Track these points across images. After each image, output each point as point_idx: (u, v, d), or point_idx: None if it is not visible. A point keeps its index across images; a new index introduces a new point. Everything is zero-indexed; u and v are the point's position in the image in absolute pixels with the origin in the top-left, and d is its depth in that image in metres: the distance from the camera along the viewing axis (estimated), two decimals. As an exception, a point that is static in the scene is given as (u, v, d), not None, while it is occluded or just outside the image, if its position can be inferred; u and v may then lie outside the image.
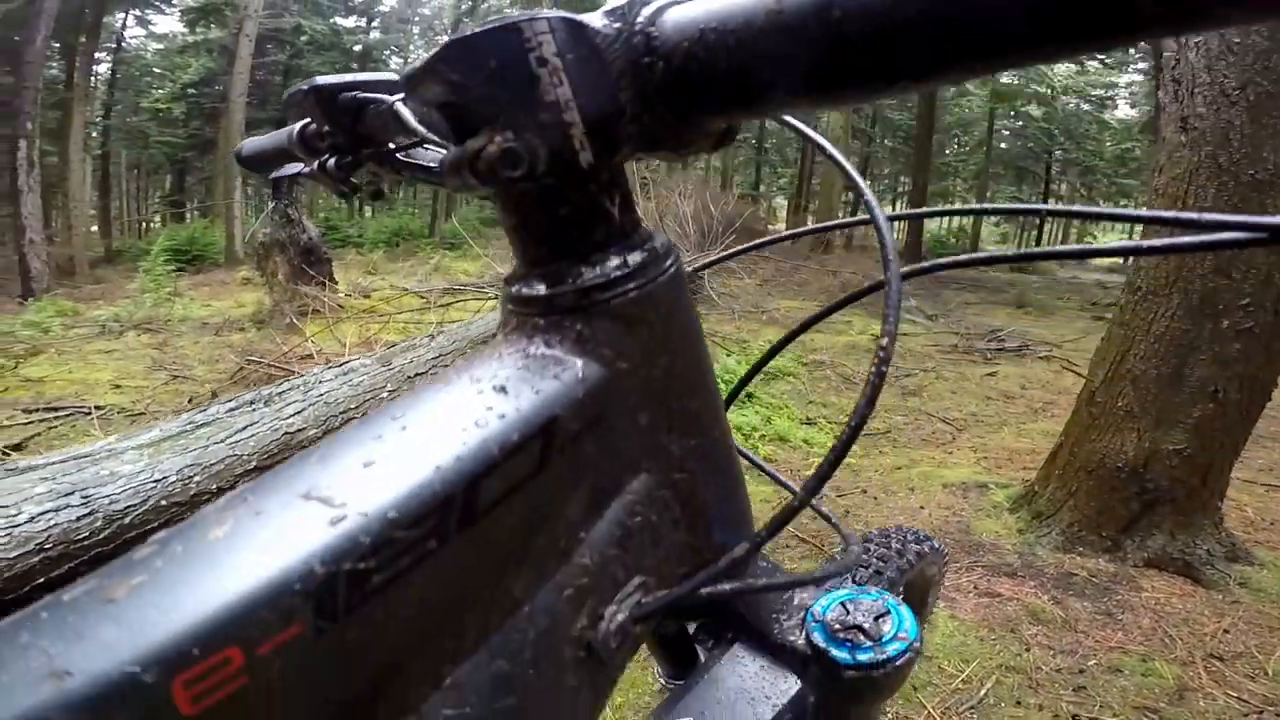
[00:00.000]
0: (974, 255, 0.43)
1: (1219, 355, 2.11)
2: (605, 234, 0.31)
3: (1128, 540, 2.33)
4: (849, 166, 0.38)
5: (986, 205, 0.47)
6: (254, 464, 1.00)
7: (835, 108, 0.32)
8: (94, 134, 17.33)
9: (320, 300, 5.31)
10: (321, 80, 0.45)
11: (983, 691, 1.74)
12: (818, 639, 0.46)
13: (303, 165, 0.55)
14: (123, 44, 19.15)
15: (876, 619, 0.46)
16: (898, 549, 0.97)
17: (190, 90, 17.37)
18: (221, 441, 0.99)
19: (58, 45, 13.46)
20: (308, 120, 0.51)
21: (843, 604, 0.47)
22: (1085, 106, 17.76)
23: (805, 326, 0.54)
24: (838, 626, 0.46)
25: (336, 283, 6.23)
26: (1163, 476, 2.24)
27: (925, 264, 0.49)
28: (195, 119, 17.97)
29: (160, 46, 19.82)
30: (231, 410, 1.05)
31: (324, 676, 0.23)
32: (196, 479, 0.93)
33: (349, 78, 0.46)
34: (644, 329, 0.31)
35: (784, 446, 3.24)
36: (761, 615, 0.48)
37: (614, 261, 0.31)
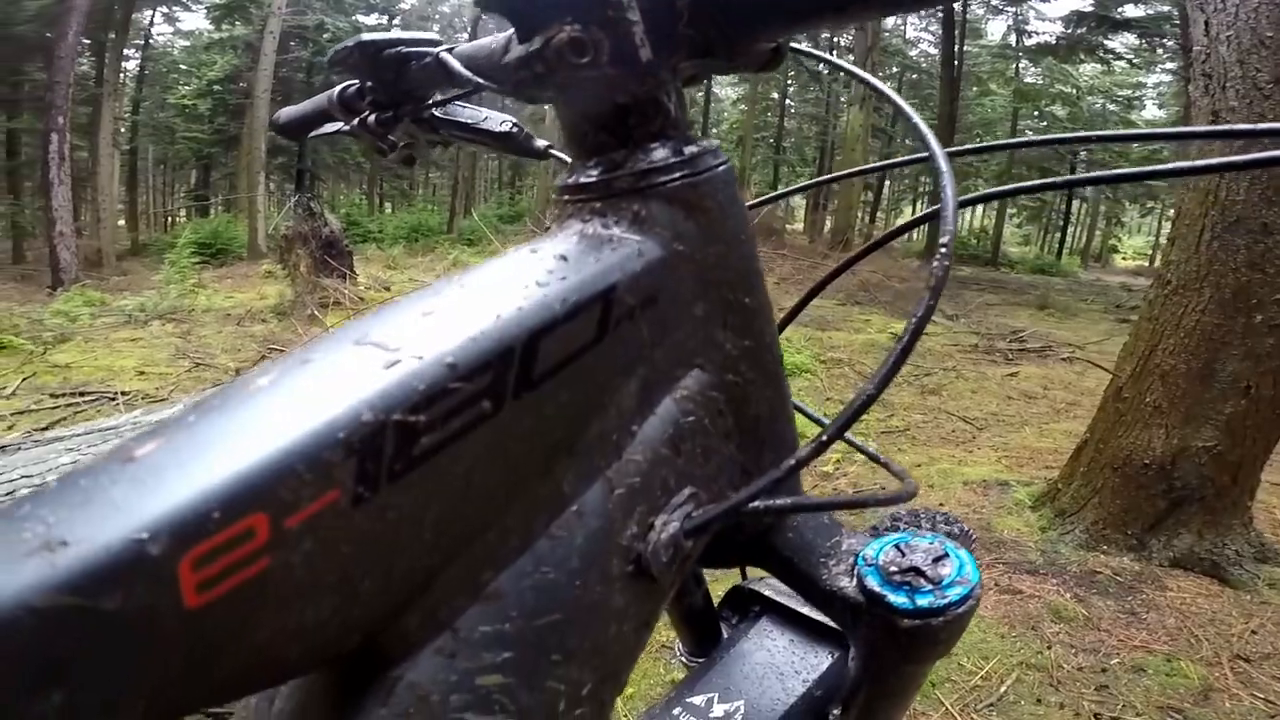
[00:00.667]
0: (1028, 183, 0.45)
1: (1251, 350, 2.07)
2: (662, 126, 0.32)
3: (1153, 539, 2.29)
4: (905, 105, 0.39)
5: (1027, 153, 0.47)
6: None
7: (865, 20, 0.34)
8: (122, 129, 17.65)
9: (341, 292, 5.36)
10: (367, 36, 0.46)
11: (1003, 689, 1.72)
12: (871, 583, 0.41)
13: (342, 124, 0.56)
14: (150, 41, 19.49)
15: (934, 561, 0.42)
16: (928, 527, 0.95)
17: (216, 87, 17.64)
18: None
19: (88, 42, 13.71)
20: (348, 83, 0.52)
21: (896, 547, 0.42)
22: (1111, 107, 17.51)
23: (866, 252, 0.56)
24: (893, 570, 0.41)
25: (357, 275, 6.28)
26: (1191, 474, 2.20)
27: (979, 193, 0.50)
28: (220, 115, 18.23)
29: (187, 43, 20.17)
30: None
31: (352, 568, 0.21)
32: None
33: (393, 35, 0.47)
34: (700, 215, 0.31)
35: (800, 440, 3.22)
36: (810, 559, 0.44)
37: (670, 150, 0.31)
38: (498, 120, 0.59)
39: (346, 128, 0.56)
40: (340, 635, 0.22)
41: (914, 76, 19.49)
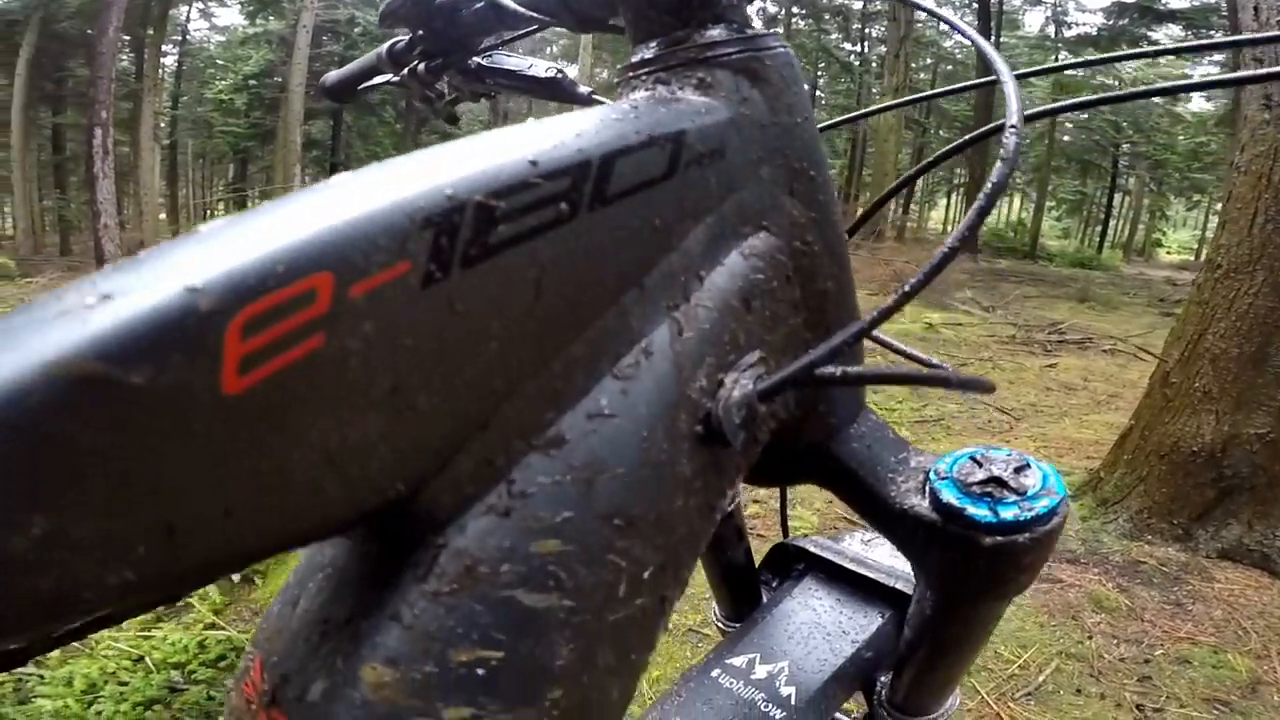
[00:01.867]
0: (1091, 98, 0.45)
1: (1308, 335, 2.00)
2: (723, 10, 0.32)
3: (1200, 530, 2.22)
4: (971, 32, 0.40)
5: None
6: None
7: None
8: (162, 124, 18.05)
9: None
10: None
11: (1041, 678, 1.68)
12: (948, 496, 0.36)
13: (391, 75, 0.59)
14: (187, 37, 19.88)
15: (1016, 471, 0.37)
16: None
17: (251, 81, 17.91)
18: None
19: (127, 38, 14.02)
20: (397, 38, 0.56)
21: (972, 458, 0.38)
22: (1156, 99, 17.00)
23: (934, 163, 0.58)
24: (972, 481, 0.37)
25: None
26: (1242, 462, 2.13)
27: (1045, 106, 0.50)
28: (256, 109, 18.53)
29: (222, 39, 20.52)
30: None
31: (409, 376, 0.19)
32: None
33: None
34: (764, 86, 0.32)
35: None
36: (876, 473, 0.40)
37: (732, 29, 0.32)
38: (542, 67, 0.60)
39: (396, 78, 0.59)
40: (385, 473, 0.20)
41: (948, 68, 19.12)
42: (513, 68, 0.59)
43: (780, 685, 0.58)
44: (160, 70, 16.51)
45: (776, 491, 0.78)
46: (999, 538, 0.35)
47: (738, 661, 0.61)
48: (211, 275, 0.16)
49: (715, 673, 0.60)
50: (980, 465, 0.37)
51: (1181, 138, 16.82)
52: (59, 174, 17.03)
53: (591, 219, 0.23)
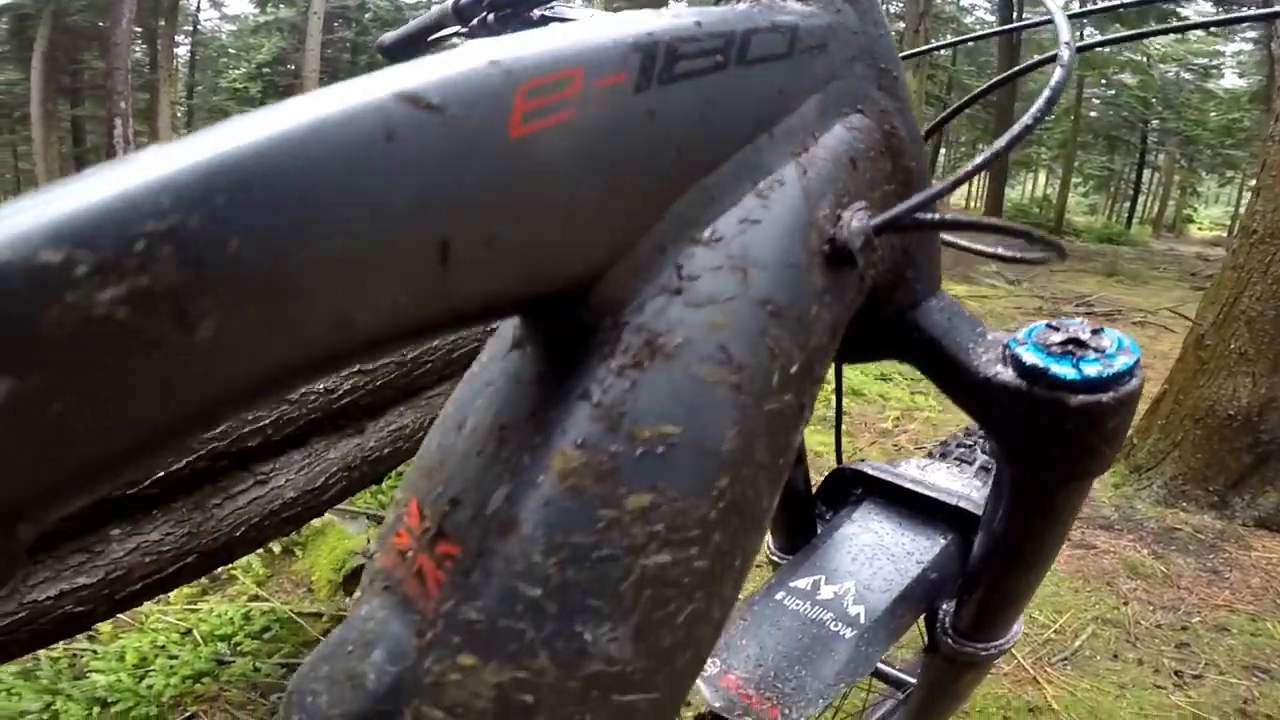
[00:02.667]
0: (1139, 31, 0.48)
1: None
2: None
3: (1236, 497, 2.19)
4: None
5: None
6: (357, 365, 1.05)
7: None
8: (179, 113, 18.14)
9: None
10: None
11: (1077, 643, 1.67)
12: (1031, 356, 0.37)
13: (458, 27, 0.59)
14: (199, 27, 19.92)
15: (1094, 334, 0.38)
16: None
17: (265, 69, 17.96)
18: None
19: (139, 30, 14.08)
20: None
21: (1048, 325, 0.39)
22: (1186, 75, 16.55)
23: (993, 87, 0.59)
24: (1051, 343, 0.37)
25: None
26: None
27: (1096, 39, 0.53)
28: (271, 97, 18.58)
29: (234, 28, 20.52)
30: None
31: (622, 156, 0.25)
32: None
33: None
34: (854, 4, 0.35)
35: (858, 400, 3.17)
36: (958, 341, 0.40)
37: None
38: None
39: (464, 29, 0.58)
40: (594, 239, 0.25)
41: (969, 45, 18.74)
42: (574, 18, 0.59)
43: (848, 605, 0.58)
44: (174, 61, 16.58)
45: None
46: (1085, 396, 0.36)
47: (802, 584, 0.61)
48: (508, 56, 0.22)
49: (780, 596, 0.60)
50: (1057, 330, 0.38)
51: (1213, 114, 16.40)
52: (80, 166, 17.11)
53: (737, 72, 0.29)
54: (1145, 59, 14.62)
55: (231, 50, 20.38)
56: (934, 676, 0.74)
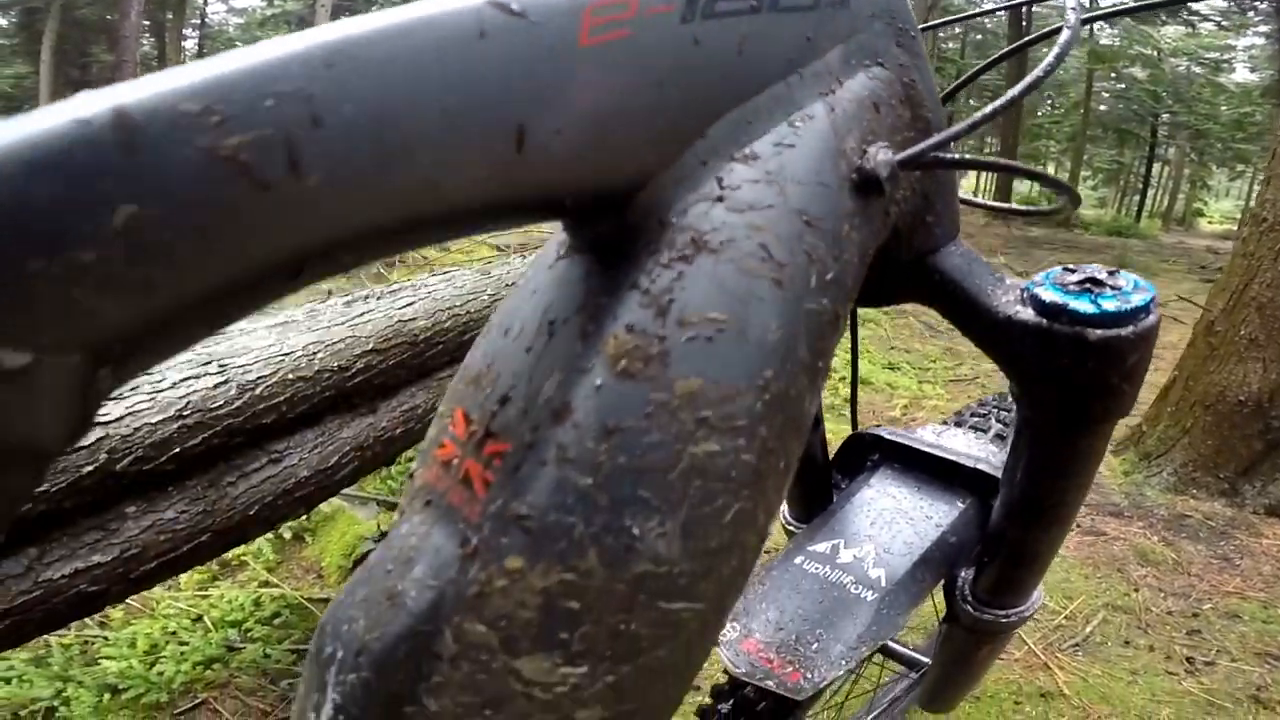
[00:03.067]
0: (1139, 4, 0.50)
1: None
2: None
3: (1247, 485, 2.18)
4: None
5: None
6: (371, 345, 1.05)
7: None
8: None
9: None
10: None
11: (1088, 629, 1.67)
12: (1050, 294, 0.38)
13: None
14: (206, 20, 19.93)
15: (1109, 274, 0.40)
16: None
17: (272, 61, 17.96)
18: (342, 323, 1.03)
19: (147, 23, 14.09)
20: None
21: (1063, 268, 0.40)
22: (1197, 69, 16.36)
23: (1003, 58, 0.61)
24: (1069, 281, 0.39)
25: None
26: (1292, 413, 2.08)
27: (1101, 11, 0.52)
28: (277, 91, 18.58)
29: (241, 21, 20.53)
30: (349, 302, 1.10)
31: (668, 75, 0.27)
32: (320, 355, 0.98)
33: None
34: None
35: (866, 389, 3.16)
36: (978, 284, 0.42)
37: None
38: None
39: None
40: (645, 142, 0.27)
41: (978, 37, 18.60)
42: None
43: (868, 568, 0.58)
44: (181, 54, 16.59)
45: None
46: (1105, 331, 0.37)
47: (821, 548, 0.61)
48: None
49: (799, 560, 0.60)
50: (1074, 272, 0.40)
51: (1224, 108, 16.23)
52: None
53: (769, 17, 0.31)
54: (1156, 53, 14.48)
55: (239, 43, 20.36)
56: (952, 650, 0.74)
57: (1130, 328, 0.38)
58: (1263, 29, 14.46)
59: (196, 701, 1.39)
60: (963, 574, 0.63)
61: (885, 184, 0.32)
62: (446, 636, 0.25)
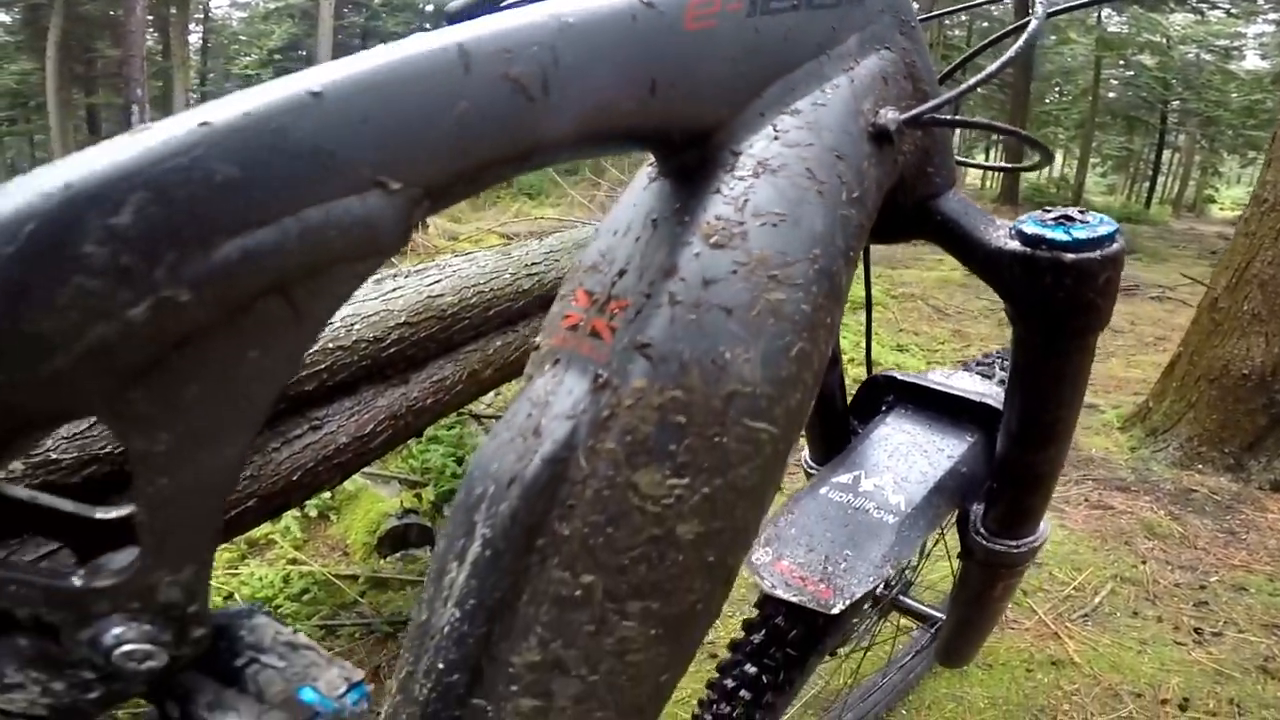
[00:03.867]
0: None
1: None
2: None
3: (1252, 460, 2.20)
4: None
5: None
6: (403, 318, 1.09)
7: None
8: (192, 101, 18.19)
9: (413, 242, 5.51)
10: None
11: (1097, 600, 1.70)
12: (1031, 227, 0.48)
13: None
14: (209, 14, 19.93)
15: (1080, 212, 0.49)
16: None
17: (276, 56, 17.99)
18: (375, 298, 1.07)
19: (151, 18, 14.11)
20: None
21: (1043, 209, 0.49)
22: (1207, 57, 16.19)
23: (984, 48, 0.68)
24: (1047, 218, 0.48)
25: (428, 227, 6.43)
26: (1295, 388, 2.10)
27: (1067, 4, 0.57)
28: (283, 84, 18.57)
29: (244, 14, 20.52)
30: (378, 280, 1.14)
31: (742, 57, 0.37)
32: (356, 327, 1.02)
33: None
34: None
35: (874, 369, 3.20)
36: (973, 223, 0.51)
37: None
38: None
39: None
40: (725, 95, 0.37)
41: (984, 24, 18.46)
42: None
43: (888, 495, 0.64)
44: (186, 48, 16.61)
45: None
46: (1078, 254, 0.47)
47: (844, 479, 0.67)
48: None
49: (824, 490, 0.66)
50: (1050, 211, 0.49)
51: (1235, 95, 16.06)
52: (97, 154, 17.26)
53: (806, 13, 0.40)
54: (1165, 40, 14.34)
55: (243, 37, 20.41)
56: (967, 591, 0.79)
57: (1099, 251, 0.47)
58: (1273, 16, 14.31)
59: None
60: (974, 508, 0.68)
61: (893, 135, 0.41)
62: (580, 459, 0.33)
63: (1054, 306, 0.49)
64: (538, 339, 0.40)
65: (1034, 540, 0.69)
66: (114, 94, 14.96)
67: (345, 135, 0.23)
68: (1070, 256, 0.47)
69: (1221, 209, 20.61)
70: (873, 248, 0.61)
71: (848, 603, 0.57)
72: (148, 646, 0.24)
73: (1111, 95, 18.19)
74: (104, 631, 0.23)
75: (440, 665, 0.35)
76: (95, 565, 0.24)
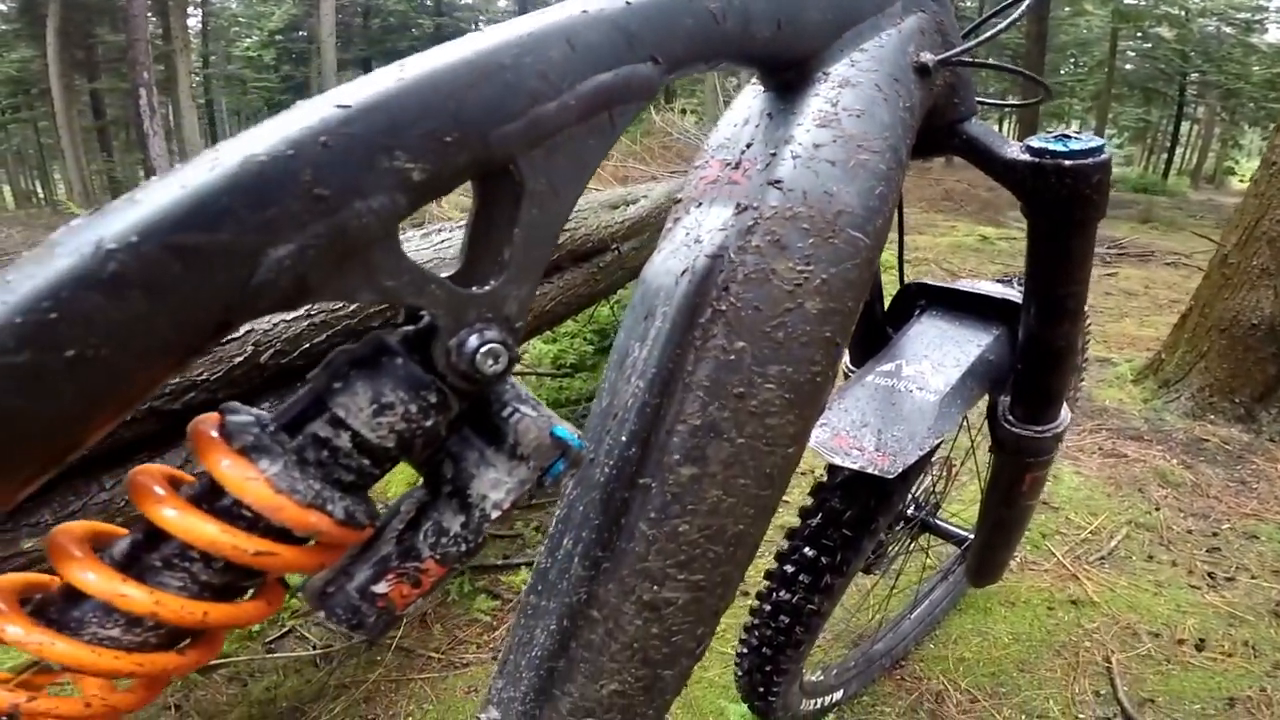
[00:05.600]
0: None
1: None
2: None
3: (1263, 411, 2.26)
4: None
5: None
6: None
7: None
8: (195, 83, 18.13)
9: (442, 210, 5.58)
10: None
11: (1113, 543, 1.75)
12: (1038, 142, 0.62)
13: None
14: (208, -1, 19.81)
15: (1076, 131, 0.63)
16: None
17: (278, 36, 17.90)
18: (427, 248, 1.15)
19: (151, 1, 14.03)
20: None
21: (1046, 131, 0.60)
22: (1228, 29, 15.94)
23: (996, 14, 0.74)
24: (1050, 135, 0.62)
25: (442, 203, 6.48)
26: (1302, 337, 2.15)
27: None
28: (285, 63, 18.55)
29: (243, -1, 20.38)
30: (426, 234, 1.21)
31: (828, 4, 0.48)
32: None
33: None
34: None
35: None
36: (992, 141, 0.63)
37: None
38: None
39: None
40: (811, 36, 0.48)
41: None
42: None
43: (929, 378, 0.73)
44: (186, 31, 16.53)
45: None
46: (1074, 161, 0.60)
47: (887, 367, 0.76)
48: None
49: (870, 378, 0.75)
50: (1050, 131, 0.63)
51: (1256, 68, 15.80)
52: (103, 137, 17.37)
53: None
54: (1183, 12, 14.11)
55: (242, 19, 20.30)
56: (999, 489, 0.87)
57: (1090, 159, 0.61)
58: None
59: (285, 630, 1.51)
60: (1002, 400, 0.77)
61: (930, 70, 0.53)
62: (731, 254, 0.45)
63: (1058, 201, 0.62)
64: (680, 195, 0.53)
65: (1057, 425, 0.78)
66: (118, 79, 14.94)
67: (648, 29, 0.37)
68: (1069, 163, 0.60)
69: (1241, 181, 20.29)
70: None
71: (903, 466, 0.67)
72: (500, 347, 0.33)
73: (1129, 67, 17.93)
74: (468, 337, 0.32)
75: (622, 439, 0.46)
76: (466, 285, 0.33)
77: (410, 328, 0.35)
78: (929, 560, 1.52)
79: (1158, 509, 1.90)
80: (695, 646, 0.49)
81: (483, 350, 0.32)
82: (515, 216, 0.34)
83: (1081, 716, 1.26)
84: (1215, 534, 1.81)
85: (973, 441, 1.29)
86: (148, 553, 0.31)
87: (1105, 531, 1.80)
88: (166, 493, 0.30)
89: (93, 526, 0.31)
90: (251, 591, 0.34)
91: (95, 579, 0.29)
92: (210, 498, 0.31)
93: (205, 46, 20.06)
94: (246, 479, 0.30)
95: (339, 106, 0.28)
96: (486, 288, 0.33)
